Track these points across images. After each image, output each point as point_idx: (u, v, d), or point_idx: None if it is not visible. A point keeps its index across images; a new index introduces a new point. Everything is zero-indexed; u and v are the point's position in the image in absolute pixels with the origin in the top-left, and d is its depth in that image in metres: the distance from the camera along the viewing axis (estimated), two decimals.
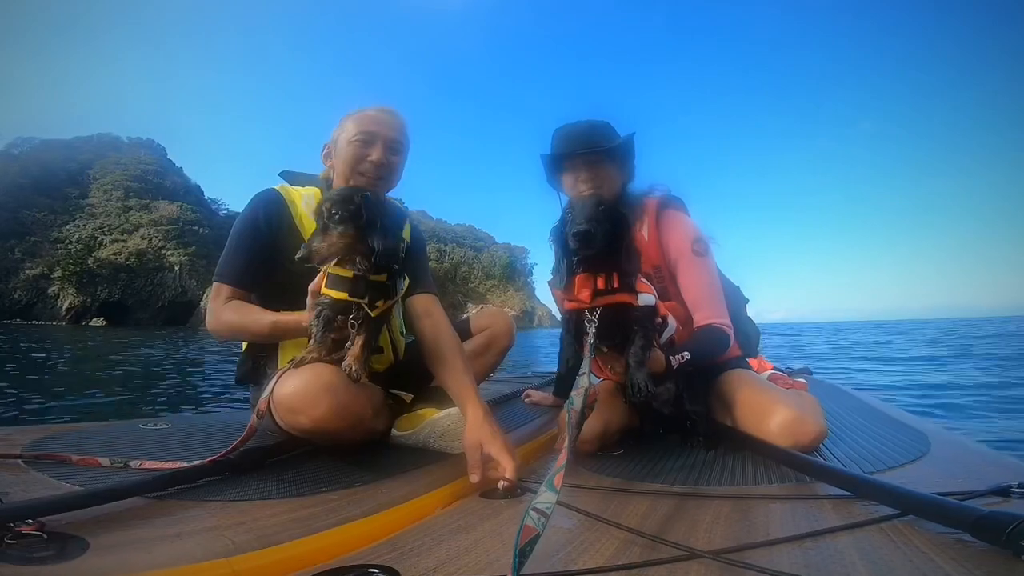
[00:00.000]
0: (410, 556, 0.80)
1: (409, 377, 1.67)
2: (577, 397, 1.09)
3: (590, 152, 1.64)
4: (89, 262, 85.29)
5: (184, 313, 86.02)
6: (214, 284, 1.50)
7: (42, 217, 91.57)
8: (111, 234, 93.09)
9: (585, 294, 1.32)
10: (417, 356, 1.57)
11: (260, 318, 1.42)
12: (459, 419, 1.40)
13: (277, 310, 1.45)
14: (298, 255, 1.22)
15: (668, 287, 1.68)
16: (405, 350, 1.69)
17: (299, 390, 1.21)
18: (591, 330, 1.27)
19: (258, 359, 1.55)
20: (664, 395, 1.44)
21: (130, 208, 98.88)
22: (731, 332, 1.62)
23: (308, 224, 1.48)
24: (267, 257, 1.49)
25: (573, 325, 1.39)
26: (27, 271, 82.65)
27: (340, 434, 1.30)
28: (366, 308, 1.26)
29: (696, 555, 0.74)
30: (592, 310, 1.30)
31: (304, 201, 1.54)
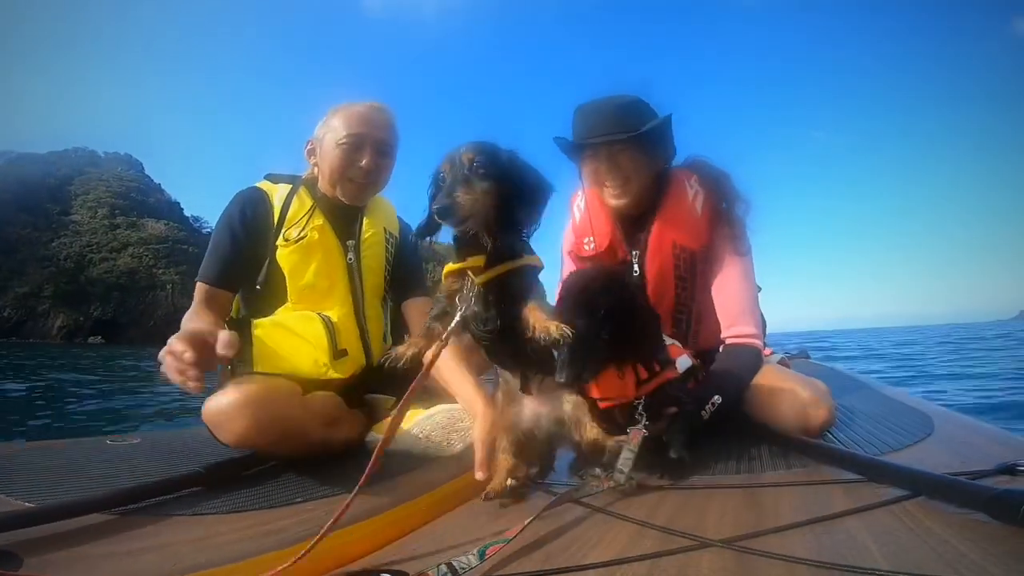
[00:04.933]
0: (414, 561, 0.78)
1: (390, 381, 1.54)
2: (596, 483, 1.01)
3: (613, 140, 1.40)
4: (80, 280, 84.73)
5: (177, 332, 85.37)
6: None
7: (26, 234, 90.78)
8: (100, 252, 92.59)
9: (629, 387, 1.11)
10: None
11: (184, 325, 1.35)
12: (447, 417, 1.35)
13: (259, 308, 1.45)
14: (436, 206, 0.95)
15: (699, 267, 1.48)
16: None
17: (218, 406, 1.21)
18: (641, 425, 1.07)
19: (234, 363, 1.45)
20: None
21: (117, 226, 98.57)
22: (761, 345, 1.46)
23: (276, 217, 1.48)
24: (247, 255, 1.47)
25: (611, 421, 1.15)
26: (16, 289, 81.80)
27: (278, 448, 1.28)
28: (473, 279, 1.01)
29: (708, 544, 0.73)
30: (637, 401, 1.11)
31: (278, 196, 1.52)
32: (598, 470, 1.05)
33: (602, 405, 1.15)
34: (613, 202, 1.49)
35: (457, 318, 0.99)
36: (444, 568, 0.65)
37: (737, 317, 1.45)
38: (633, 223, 1.54)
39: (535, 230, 1.05)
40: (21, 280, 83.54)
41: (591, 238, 1.55)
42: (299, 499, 1.07)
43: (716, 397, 1.26)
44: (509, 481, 1.09)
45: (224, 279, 1.47)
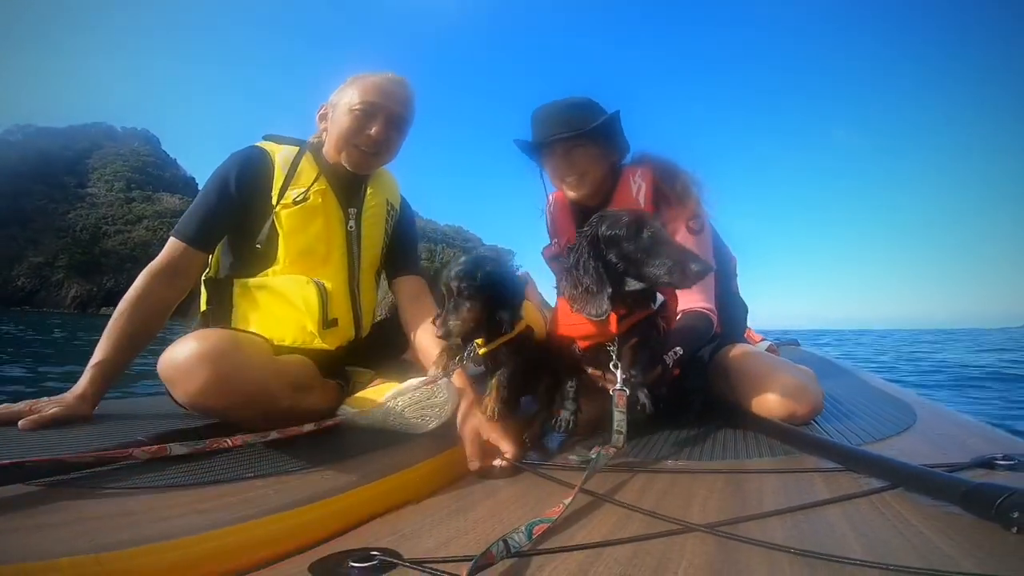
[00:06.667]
0: (410, 538, 0.79)
1: (372, 354, 1.56)
2: (604, 455, 1.01)
3: (567, 137, 1.53)
4: (95, 251, 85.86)
5: (187, 304, 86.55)
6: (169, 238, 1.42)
7: (43, 205, 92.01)
8: (115, 224, 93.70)
9: (614, 323, 1.16)
10: (383, 333, 1.52)
11: (110, 334, 1.33)
12: (421, 393, 1.25)
13: (245, 269, 1.42)
14: (439, 335, 1.20)
15: None
16: (372, 328, 1.62)
17: (174, 358, 1.07)
18: (619, 366, 1.16)
19: (210, 323, 1.45)
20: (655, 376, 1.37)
21: (133, 200, 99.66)
22: (715, 317, 1.54)
23: (279, 178, 1.44)
24: (235, 216, 1.43)
25: (588, 362, 1.25)
26: (30, 259, 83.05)
27: (239, 413, 1.16)
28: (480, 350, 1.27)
29: (691, 528, 0.75)
30: (613, 339, 1.18)
31: (281, 155, 1.48)
32: (600, 448, 1.07)
33: (583, 345, 1.24)
34: (572, 194, 1.62)
35: (458, 364, 1.26)
36: (501, 545, 0.67)
37: (691, 291, 1.49)
38: (589, 219, 1.61)
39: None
40: (36, 250, 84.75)
41: (557, 239, 1.71)
42: (249, 474, 0.97)
43: (677, 348, 1.35)
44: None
45: (202, 239, 1.42)
